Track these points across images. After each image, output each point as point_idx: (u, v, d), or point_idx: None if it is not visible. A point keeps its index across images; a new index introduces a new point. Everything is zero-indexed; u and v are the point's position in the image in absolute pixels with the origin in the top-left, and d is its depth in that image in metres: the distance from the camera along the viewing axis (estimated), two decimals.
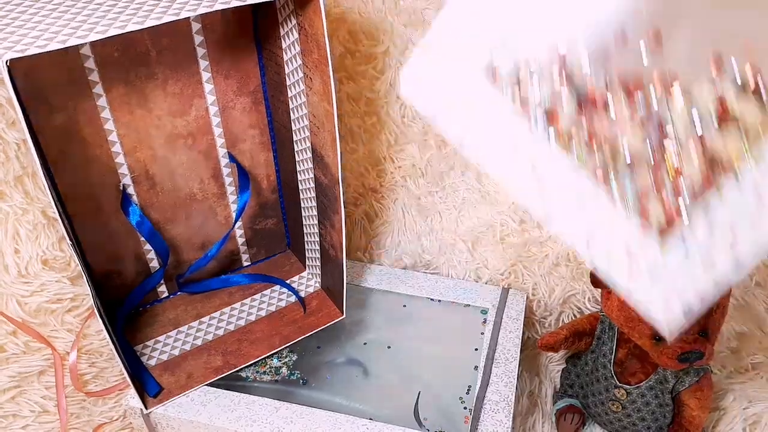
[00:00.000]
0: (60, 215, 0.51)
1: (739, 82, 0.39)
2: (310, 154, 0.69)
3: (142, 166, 0.69)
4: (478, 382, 0.69)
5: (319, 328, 0.75)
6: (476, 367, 0.71)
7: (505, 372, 0.70)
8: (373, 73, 0.77)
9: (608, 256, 0.41)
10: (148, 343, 0.73)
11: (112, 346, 0.59)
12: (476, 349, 0.73)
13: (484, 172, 0.80)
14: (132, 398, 0.65)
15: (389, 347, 0.74)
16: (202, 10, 0.50)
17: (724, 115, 0.39)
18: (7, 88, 0.44)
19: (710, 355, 0.64)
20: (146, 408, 0.65)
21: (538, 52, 0.42)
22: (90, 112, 0.63)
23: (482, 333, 0.76)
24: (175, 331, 0.74)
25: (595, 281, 0.71)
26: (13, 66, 0.44)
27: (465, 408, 0.67)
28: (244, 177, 0.76)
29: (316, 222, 0.75)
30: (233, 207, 0.79)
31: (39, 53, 0.44)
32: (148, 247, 0.74)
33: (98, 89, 0.62)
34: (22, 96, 0.53)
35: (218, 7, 0.50)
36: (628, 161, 0.41)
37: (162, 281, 0.78)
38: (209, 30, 0.66)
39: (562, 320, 0.85)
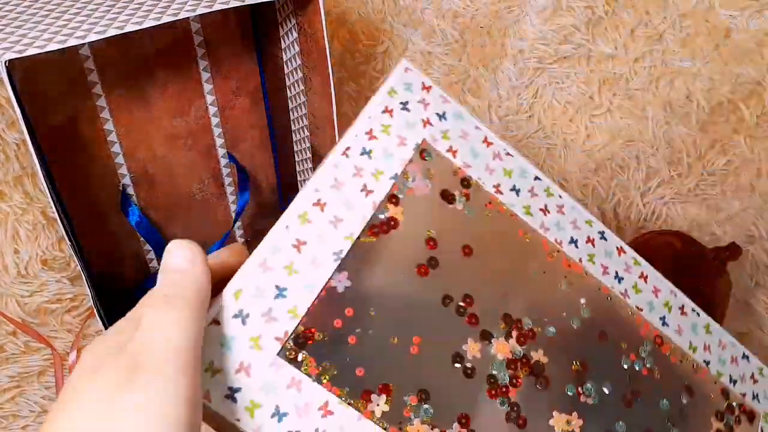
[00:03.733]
0: (60, 215, 0.51)
1: None
2: (309, 155, 0.69)
3: (141, 166, 0.69)
4: None
5: None
6: None
7: None
8: (373, 73, 0.77)
9: None
10: None
11: None
12: None
13: None
14: None
15: None
16: (201, 10, 0.50)
17: None
18: (6, 89, 0.44)
19: None
20: None
21: None
22: (89, 113, 0.63)
23: None
24: None
25: None
26: (13, 66, 0.44)
27: None
28: (243, 177, 0.76)
29: None
30: (233, 207, 0.79)
31: (38, 53, 0.44)
32: (148, 247, 0.74)
33: (98, 89, 0.62)
34: (21, 96, 0.53)
35: (217, 7, 0.50)
36: None
37: None
38: (208, 30, 0.66)
39: None
